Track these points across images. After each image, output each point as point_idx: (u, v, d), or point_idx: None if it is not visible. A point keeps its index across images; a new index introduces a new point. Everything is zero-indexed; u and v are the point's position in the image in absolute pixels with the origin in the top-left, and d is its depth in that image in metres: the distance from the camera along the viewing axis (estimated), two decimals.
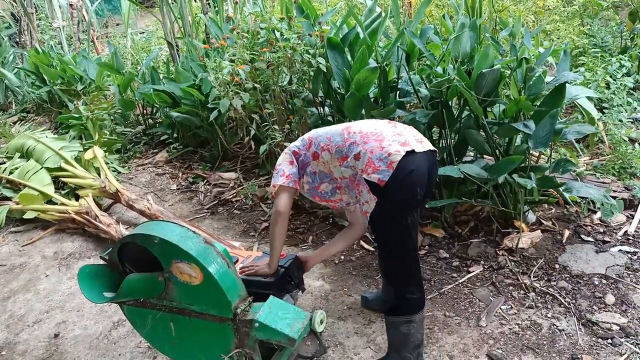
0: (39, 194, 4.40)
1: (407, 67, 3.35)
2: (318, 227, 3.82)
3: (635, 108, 4.43)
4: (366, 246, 3.48)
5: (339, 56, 3.40)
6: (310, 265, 2.59)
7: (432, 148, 2.25)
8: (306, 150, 2.37)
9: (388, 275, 2.43)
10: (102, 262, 2.32)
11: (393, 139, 2.15)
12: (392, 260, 2.32)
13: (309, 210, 3.95)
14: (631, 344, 2.46)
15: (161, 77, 5.69)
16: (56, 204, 4.37)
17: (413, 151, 2.12)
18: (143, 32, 10.80)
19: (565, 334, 2.57)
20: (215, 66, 3.70)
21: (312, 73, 3.65)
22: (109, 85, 6.70)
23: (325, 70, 3.54)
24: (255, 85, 3.66)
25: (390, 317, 2.34)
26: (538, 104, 2.98)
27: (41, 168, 4.73)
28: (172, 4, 6.09)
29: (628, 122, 4.26)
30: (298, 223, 3.87)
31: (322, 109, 3.87)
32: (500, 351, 2.51)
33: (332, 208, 2.62)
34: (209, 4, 6.59)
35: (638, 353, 2.40)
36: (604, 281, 2.89)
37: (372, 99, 3.54)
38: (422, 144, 2.20)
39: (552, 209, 3.58)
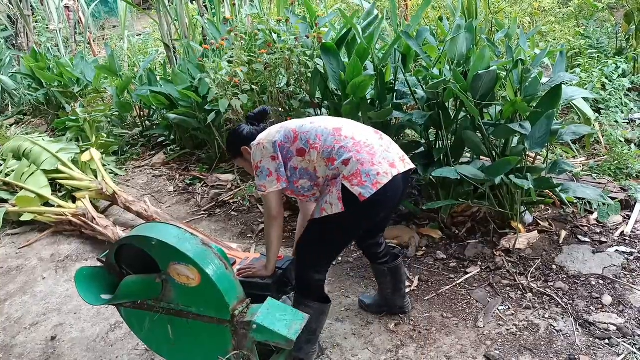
0: (36, 196, 4.39)
1: (403, 69, 3.36)
2: None
3: (632, 109, 4.44)
4: None
5: (334, 60, 3.40)
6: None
7: (412, 166, 2.30)
8: (290, 145, 2.26)
9: (298, 255, 2.40)
10: (99, 264, 2.32)
11: (383, 156, 2.18)
12: (305, 265, 2.35)
13: None
14: (628, 344, 2.46)
15: (158, 79, 5.69)
16: (53, 206, 4.36)
17: (399, 175, 2.18)
18: (140, 34, 10.78)
19: (563, 335, 2.58)
20: (214, 67, 3.70)
21: (309, 74, 3.65)
22: (106, 87, 6.70)
23: (322, 72, 3.54)
24: (253, 86, 3.66)
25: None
26: (534, 105, 2.98)
27: (38, 170, 4.72)
28: (169, 6, 6.09)
29: (624, 123, 4.28)
30: (295, 225, 3.86)
31: (319, 110, 3.87)
32: (498, 352, 2.51)
33: (293, 196, 2.57)
34: (205, 6, 6.59)
35: (635, 353, 2.40)
36: (601, 282, 2.90)
37: (369, 101, 3.54)
38: (404, 163, 2.26)
39: (548, 209, 3.59)
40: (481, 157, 3.35)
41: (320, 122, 2.31)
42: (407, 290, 3.03)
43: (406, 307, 2.81)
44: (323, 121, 2.32)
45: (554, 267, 3.06)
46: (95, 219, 4.00)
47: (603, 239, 3.23)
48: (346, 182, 2.12)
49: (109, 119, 6.15)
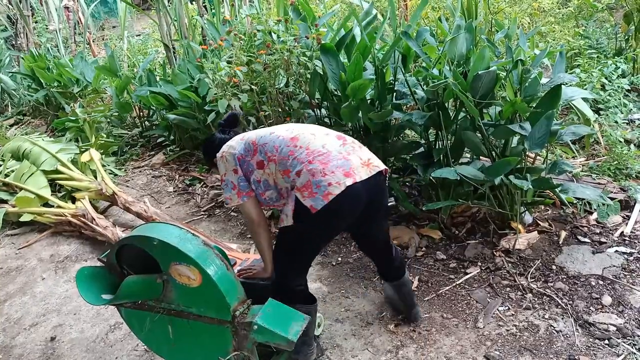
0: (35, 197, 4.39)
1: (403, 69, 3.36)
2: None
3: (631, 109, 4.45)
4: None
5: (334, 60, 3.40)
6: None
7: (380, 168, 2.22)
8: (250, 157, 2.26)
9: (273, 264, 2.38)
10: (99, 264, 2.32)
11: (338, 164, 2.10)
12: (281, 273, 2.34)
13: None
14: (628, 344, 2.47)
15: (158, 79, 5.69)
16: (52, 206, 4.36)
17: (355, 184, 2.09)
18: (139, 35, 10.78)
19: (563, 335, 2.58)
20: (213, 67, 3.70)
21: (308, 75, 3.65)
22: (106, 87, 6.69)
23: (322, 73, 3.54)
24: (252, 87, 3.66)
25: None
26: (534, 106, 2.98)
27: (37, 170, 4.72)
28: (169, 6, 6.09)
29: (623, 123, 4.28)
30: None
31: (319, 111, 3.87)
32: (498, 352, 2.51)
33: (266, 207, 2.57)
34: (205, 6, 6.59)
35: (635, 354, 2.41)
36: (601, 282, 2.90)
37: (369, 101, 3.55)
38: (369, 168, 2.18)
39: (548, 210, 3.59)
40: (481, 157, 3.36)
41: (279, 131, 2.28)
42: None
43: (416, 315, 2.77)
44: (282, 130, 2.29)
45: (553, 267, 3.06)
46: (94, 220, 4.00)
47: (603, 240, 3.24)
48: (298, 194, 2.10)
49: (108, 120, 6.15)
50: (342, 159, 2.13)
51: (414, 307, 2.76)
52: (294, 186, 2.13)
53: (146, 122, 6.24)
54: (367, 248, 2.69)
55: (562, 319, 2.69)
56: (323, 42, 3.47)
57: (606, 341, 2.51)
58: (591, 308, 2.73)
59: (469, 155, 3.57)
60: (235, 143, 2.32)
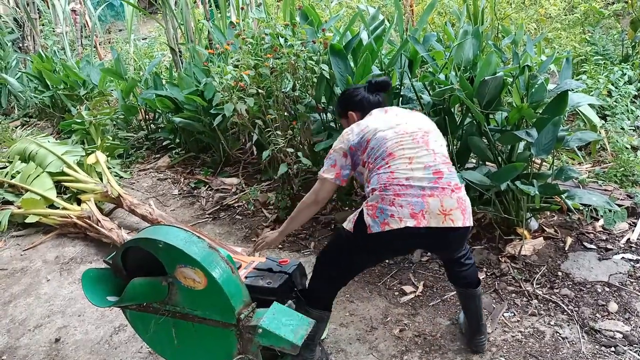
0: (41, 199, 4.40)
1: (409, 74, 3.36)
2: (320, 232, 3.81)
3: (638, 116, 4.43)
4: None
5: (342, 62, 3.41)
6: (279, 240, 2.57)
7: (456, 225, 2.06)
8: (361, 154, 2.23)
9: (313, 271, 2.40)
10: (104, 266, 2.32)
11: (411, 201, 2.03)
12: (319, 269, 2.36)
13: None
14: (634, 352, 2.45)
15: (164, 82, 5.71)
16: (58, 208, 4.37)
17: (417, 229, 2.02)
18: (146, 38, 10.83)
19: (569, 342, 2.57)
20: (220, 71, 3.71)
21: (315, 79, 3.66)
22: (112, 90, 6.72)
23: (328, 77, 3.55)
24: (259, 90, 3.67)
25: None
26: (540, 112, 2.98)
27: (43, 172, 4.74)
28: (175, 10, 6.12)
29: (630, 129, 4.27)
30: (299, 229, 3.86)
31: (325, 115, 3.88)
32: (503, 359, 2.50)
33: None
34: (211, 10, 6.62)
35: None
36: (607, 289, 2.89)
37: None
38: (444, 218, 2.04)
39: (554, 216, 3.57)
40: (487, 162, 3.35)
41: (390, 142, 2.16)
42: (412, 296, 3.03)
43: (476, 345, 2.55)
44: (394, 142, 2.16)
45: (559, 273, 3.05)
46: (100, 222, 4.01)
47: (609, 246, 3.22)
48: (365, 209, 2.12)
49: (114, 122, 6.17)
50: (419, 198, 2.04)
51: (480, 335, 2.52)
52: (367, 197, 2.16)
53: (152, 125, 6.26)
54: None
55: (568, 325, 2.67)
56: (332, 43, 3.48)
57: (612, 348, 2.49)
58: (597, 315, 2.72)
59: (474, 161, 3.56)
60: (357, 131, 2.26)
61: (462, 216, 2.09)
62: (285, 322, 1.97)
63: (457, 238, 2.18)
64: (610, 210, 3.38)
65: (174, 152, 5.65)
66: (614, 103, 4.32)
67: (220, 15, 6.09)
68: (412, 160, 2.11)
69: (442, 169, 2.13)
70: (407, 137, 2.18)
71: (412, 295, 3.03)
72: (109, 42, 11.24)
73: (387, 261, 3.36)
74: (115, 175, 5.17)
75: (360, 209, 2.16)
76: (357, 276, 3.24)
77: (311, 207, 2.34)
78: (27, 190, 4.55)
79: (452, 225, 2.06)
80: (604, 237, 3.32)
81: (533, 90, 3.00)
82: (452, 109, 3.30)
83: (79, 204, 4.42)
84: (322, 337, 2.61)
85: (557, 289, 2.93)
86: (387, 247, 2.18)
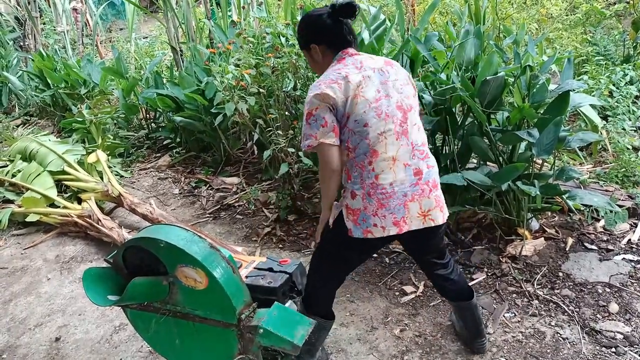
0: (42, 197, 4.40)
1: (411, 74, 3.35)
2: None
3: (639, 116, 4.43)
4: None
5: None
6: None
7: (437, 224, 2.11)
8: (339, 120, 2.04)
9: (307, 276, 2.39)
10: (105, 265, 2.32)
11: (394, 210, 2.03)
12: (312, 272, 2.35)
13: (312, 216, 3.94)
14: (635, 352, 2.45)
15: (165, 81, 5.71)
16: (58, 207, 4.37)
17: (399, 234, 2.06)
18: (147, 37, 10.83)
19: (569, 343, 2.56)
20: (221, 70, 3.71)
21: (316, 79, 3.65)
22: (113, 89, 6.72)
23: None
24: (260, 89, 3.67)
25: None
26: (542, 112, 2.98)
27: (44, 171, 4.74)
28: (177, 9, 6.12)
29: (631, 130, 4.26)
30: (300, 228, 3.86)
31: None
32: (504, 359, 2.50)
33: None
34: (212, 9, 6.61)
35: None
36: (608, 289, 2.88)
37: None
38: (424, 220, 2.09)
39: (555, 216, 3.57)
40: (488, 163, 3.34)
41: (372, 130, 2.02)
42: (413, 296, 3.03)
43: (477, 347, 2.54)
44: (375, 132, 2.02)
45: (560, 274, 3.05)
46: (100, 221, 4.01)
47: (610, 247, 3.22)
48: (344, 211, 2.11)
49: (115, 121, 6.17)
50: (400, 205, 2.04)
51: (480, 337, 2.52)
52: (345, 196, 2.11)
53: (152, 124, 6.27)
54: (418, 263, 2.54)
55: (569, 326, 2.67)
56: None
57: (613, 349, 2.49)
58: (598, 316, 2.71)
59: (475, 161, 3.55)
60: (336, 86, 2.00)
61: (441, 213, 2.15)
62: (286, 322, 1.98)
63: (437, 235, 2.23)
64: (611, 211, 3.38)
65: (174, 151, 5.65)
66: (615, 104, 4.31)
67: (221, 14, 6.08)
68: (395, 161, 2.05)
69: (421, 167, 2.10)
70: (390, 125, 2.03)
71: (412, 296, 3.03)
72: (110, 41, 11.25)
73: (387, 261, 3.36)
74: (115, 174, 5.17)
75: (337, 208, 2.16)
76: (358, 276, 3.25)
77: (333, 177, 2.08)
78: (27, 189, 4.55)
79: (433, 225, 2.11)
80: (604, 238, 3.31)
81: (534, 90, 2.99)
82: (454, 109, 3.29)
83: (79, 203, 4.42)
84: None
85: (557, 289, 2.93)
86: (368, 248, 2.25)
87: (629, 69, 4.59)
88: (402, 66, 3.35)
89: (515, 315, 2.79)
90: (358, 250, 2.24)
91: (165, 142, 5.92)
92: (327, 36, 2.13)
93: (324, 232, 2.31)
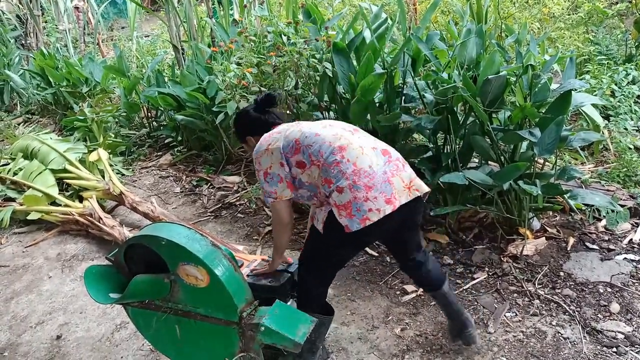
0: (43, 196, 4.41)
1: (412, 73, 3.35)
2: None
3: None
4: (370, 251, 3.47)
5: (345, 61, 3.41)
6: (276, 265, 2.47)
7: (420, 193, 2.18)
8: (291, 155, 2.17)
9: (298, 277, 2.40)
10: (106, 263, 2.33)
11: (382, 189, 2.07)
12: (304, 272, 2.34)
13: None
14: (636, 352, 2.44)
15: (166, 80, 5.71)
16: (60, 205, 4.38)
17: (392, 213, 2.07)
18: (148, 36, 10.83)
19: (570, 342, 2.56)
20: (222, 69, 3.71)
21: (318, 78, 3.66)
22: (114, 87, 6.72)
23: (331, 75, 3.55)
24: (262, 88, 3.67)
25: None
26: (544, 111, 2.97)
27: (45, 169, 4.74)
28: (178, 7, 6.12)
29: (633, 130, 4.26)
30: (301, 227, 3.86)
31: (327, 114, 3.87)
32: (505, 359, 2.50)
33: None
34: (214, 8, 6.61)
35: None
36: (609, 289, 2.88)
37: (377, 104, 3.54)
38: (410, 192, 2.15)
39: (556, 216, 3.57)
40: (489, 162, 3.34)
41: (325, 134, 2.17)
42: (414, 295, 3.02)
43: (467, 338, 2.51)
44: (329, 135, 2.17)
45: (561, 274, 3.04)
46: (101, 219, 4.01)
47: (611, 247, 3.21)
48: (335, 210, 2.09)
49: (116, 120, 6.18)
50: (385, 182, 2.09)
51: (466, 328, 2.48)
52: (332, 197, 2.10)
53: (154, 123, 6.27)
54: (399, 256, 2.55)
55: (570, 326, 2.67)
56: (335, 41, 3.47)
57: (614, 349, 2.49)
58: (599, 315, 2.71)
59: (477, 160, 3.55)
60: (276, 138, 2.22)
61: (420, 183, 2.22)
62: (287, 320, 1.98)
63: (421, 202, 2.26)
64: (612, 211, 3.37)
65: (176, 149, 5.65)
66: (617, 103, 4.31)
67: (223, 13, 6.08)
68: (363, 147, 2.15)
69: (385, 147, 2.24)
70: (338, 129, 2.22)
71: (413, 295, 3.03)
72: (112, 40, 11.24)
73: (388, 260, 3.36)
74: (117, 173, 5.17)
75: (325, 211, 2.16)
76: (359, 275, 3.25)
77: (286, 230, 2.30)
78: (29, 187, 4.56)
79: (418, 194, 2.18)
80: (606, 238, 3.31)
81: (536, 89, 2.99)
82: (455, 108, 3.29)
83: (80, 201, 4.42)
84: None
85: (559, 289, 2.93)
86: (368, 236, 2.24)
87: (631, 69, 4.58)
88: (404, 65, 3.36)
89: (516, 314, 2.79)
90: (353, 245, 2.27)
91: (166, 141, 5.93)
92: (259, 127, 2.40)
93: (312, 240, 2.33)
